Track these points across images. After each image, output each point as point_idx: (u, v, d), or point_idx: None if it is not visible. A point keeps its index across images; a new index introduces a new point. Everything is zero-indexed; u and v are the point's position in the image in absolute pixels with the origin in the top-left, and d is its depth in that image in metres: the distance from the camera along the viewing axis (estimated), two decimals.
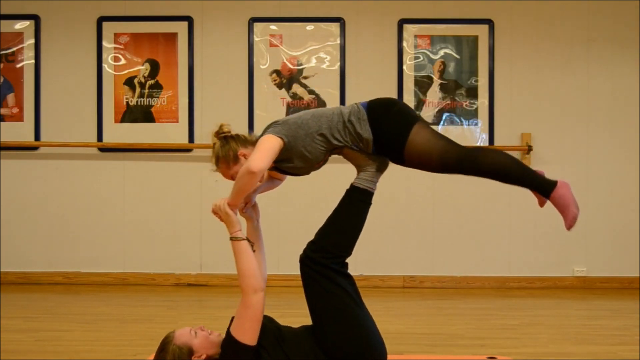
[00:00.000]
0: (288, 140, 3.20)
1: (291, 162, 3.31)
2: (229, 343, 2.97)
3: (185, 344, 3.04)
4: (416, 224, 6.00)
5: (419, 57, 5.97)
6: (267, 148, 3.19)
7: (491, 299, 5.50)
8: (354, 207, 3.21)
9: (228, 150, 3.34)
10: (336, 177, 6.00)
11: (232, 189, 3.33)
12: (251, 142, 3.31)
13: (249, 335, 2.95)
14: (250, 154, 3.25)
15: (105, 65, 5.99)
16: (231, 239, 3.12)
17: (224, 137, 3.33)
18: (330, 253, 3.11)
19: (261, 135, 3.26)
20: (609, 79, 6.00)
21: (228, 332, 3.00)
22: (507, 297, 5.62)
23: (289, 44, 5.98)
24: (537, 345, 4.11)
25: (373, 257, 5.94)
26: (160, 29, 6.00)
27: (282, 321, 4.81)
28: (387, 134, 3.23)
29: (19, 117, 6.01)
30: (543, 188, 3.19)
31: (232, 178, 3.37)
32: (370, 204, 3.23)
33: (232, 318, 3.22)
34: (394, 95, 5.96)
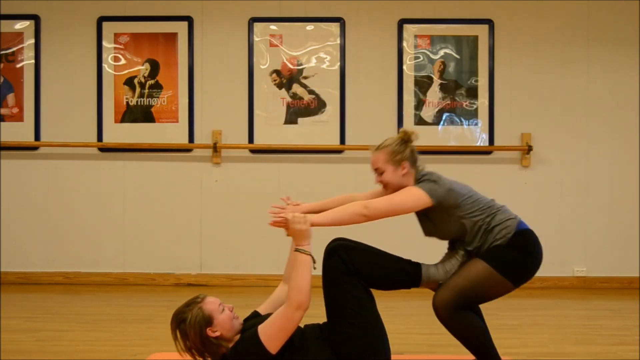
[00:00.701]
0: (435, 204, 3.27)
1: (424, 214, 3.41)
2: (253, 340, 2.95)
3: (209, 313, 3.03)
4: (416, 224, 5.99)
5: (419, 57, 5.97)
6: (403, 202, 3.27)
7: None
8: (404, 274, 3.36)
9: (401, 151, 3.38)
10: (336, 177, 6.00)
11: (334, 211, 3.27)
12: (414, 171, 3.39)
13: (275, 344, 2.94)
14: (406, 175, 3.36)
15: (105, 65, 5.99)
16: (298, 250, 3.06)
17: (406, 141, 3.40)
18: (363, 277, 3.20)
19: (418, 180, 3.35)
20: (609, 79, 6.00)
21: (256, 330, 2.97)
22: (507, 297, 5.60)
23: (289, 44, 5.98)
24: (537, 345, 4.11)
25: None
26: (160, 29, 6.00)
27: None
28: (504, 261, 3.25)
29: (19, 117, 6.01)
30: None
31: (377, 169, 3.40)
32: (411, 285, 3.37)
33: (255, 311, 3.20)
34: (394, 95, 5.96)
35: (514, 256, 3.24)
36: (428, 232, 3.50)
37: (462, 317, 3.22)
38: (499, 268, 3.22)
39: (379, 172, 3.41)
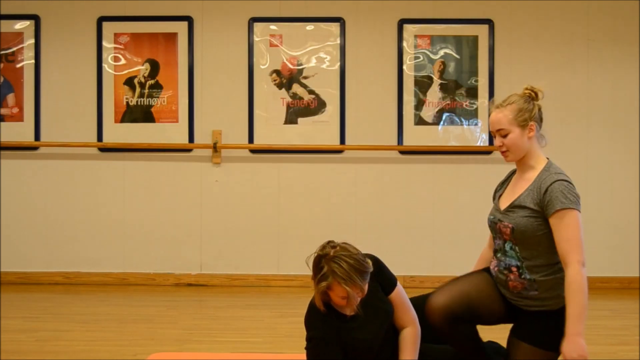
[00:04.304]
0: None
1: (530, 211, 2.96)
2: None
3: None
4: (416, 224, 6.00)
5: (419, 57, 5.97)
6: (580, 236, 2.81)
7: None
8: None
9: (530, 109, 2.98)
10: (336, 177, 6.00)
11: (579, 308, 2.76)
12: (540, 137, 3.01)
13: None
14: (532, 139, 2.95)
15: (105, 65, 5.99)
16: None
17: (532, 97, 3.01)
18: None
19: (547, 170, 2.94)
20: (609, 79, 6.00)
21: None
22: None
23: (289, 44, 5.98)
24: None
25: None
26: (160, 29, 6.00)
27: (282, 321, 4.83)
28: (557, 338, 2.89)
29: (19, 117, 6.01)
30: None
31: (501, 130, 2.97)
32: None
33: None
34: (394, 95, 5.96)
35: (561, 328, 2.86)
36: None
37: None
38: (556, 350, 2.90)
39: (502, 133, 2.97)
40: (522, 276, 2.93)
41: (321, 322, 2.91)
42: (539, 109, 3.00)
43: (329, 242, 2.90)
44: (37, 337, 4.32)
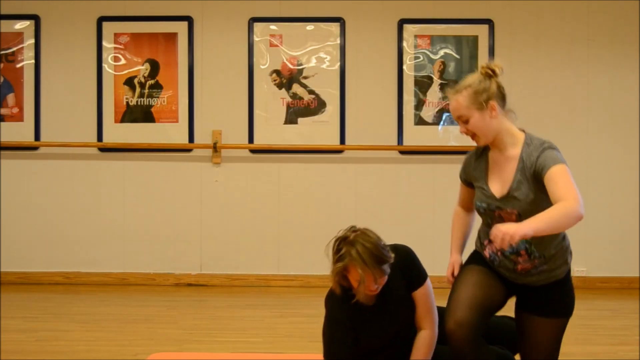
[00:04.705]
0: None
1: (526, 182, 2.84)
2: None
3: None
4: (416, 224, 6.00)
5: (419, 57, 5.97)
6: (572, 181, 2.72)
7: None
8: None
9: (487, 88, 2.85)
10: (336, 177, 6.00)
11: (548, 218, 2.60)
12: (507, 111, 2.88)
13: None
14: (497, 118, 2.82)
15: (105, 65, 5.99)
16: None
17: (490, 75, 2.87)
18: None
19: (528, 143, 2.83)
20: (609, 79, 6.00)
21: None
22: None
23: (289, 44, 5.98)
24: None
25: None
26: (160, 29, 6.00)
27: (282, 321, 4.83)
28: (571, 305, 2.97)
29: (19, 117, 6.01)
30: None
31: (460, 117, 2.86)
32: None
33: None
34: (394, 95, 5.96)
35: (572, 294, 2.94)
36: (516, 205, 2.83)
37: None
38: (569, 315, 2.95)
39: (462, 119, 2.86)
40: (532, 256, 2.85)
41: (338, 305, 2.95)
42: (498, 87, 2.86)
43: (351, 227, 2.95)
44: (37, 337, 4.32)
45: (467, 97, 2.83)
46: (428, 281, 3.04)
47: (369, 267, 2.80)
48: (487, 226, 2.96)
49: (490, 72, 2.86)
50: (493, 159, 2.93)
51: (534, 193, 2.78)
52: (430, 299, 3.04)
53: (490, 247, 2.95)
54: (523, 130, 2.93)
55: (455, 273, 3.07)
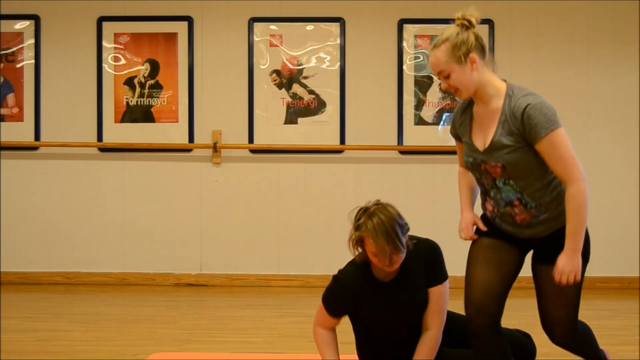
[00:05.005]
0: None
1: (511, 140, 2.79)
2: None
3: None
4: (416, 224, 5.97)
5: (419, 57, 5.97)
6: (570, 147, 2.71)
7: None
8: None
9: (465, 40, 2.75)
10: (336, 177, 6.00)
11: (578, 223, 2.80)
12: (487, 61, 2.82)
13: None
14: (479, 71, 2.76)
15: (105, 65, 5.99)
16: None
17: (466, 26, 2.76)
18: None
19: (516, 95, 2.76)
20: (609, 79, 6.00)
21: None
22: (507, 297, 5.60)
23: (289, 44, 5.98)
24: (537, 345, 4.10)
25: None
26: (160, 29, 6.00)
27: (282, 321, 4.83)
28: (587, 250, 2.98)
29: (19, 117, 6.01)
30: None
31: (440, 73, 2.78)
32: None
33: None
34: (394, 95, 5.96)
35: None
36: (506, 164, 2.79)
37: (581, 332, 2.97)
38: (586, 260, 2.92)
39: (443, 75, 2.78)
40: (528, 206, 2.83)
41: (350, 275, 3.00)
42: (476, 37, 2.77)
43: (376, 200, 3.01)
44: (37, 337, 4.32)
45: (446, 51, 2.75)
46: (447, 283, 3.04)
47: (380, 240, 2.83)
48: (477, 182, 2.98)
49: (466, 23, 2.76)
50: (477, 113, 2.90)
51: (518, 145, 2.76)
52: (444, 300, 3.03)
53: (487, 205, 2.96)
54: (505, 81, 2.89)
55: (467, 231, 3.02)
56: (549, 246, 2.88)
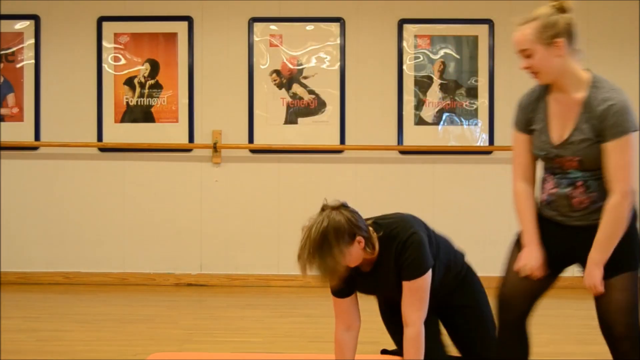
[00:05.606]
0: None
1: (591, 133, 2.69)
2: None
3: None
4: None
5: (419, 57, 5.97)
6: (630, 162, 2.60)
7: (491, 299, 5.47)
8: None
9: (555, 22, 2.64)
10: (336, 177, 6.00)
11: (597, 245, 2.67)
12: (574, 50, 2.68)
13: None
14: (562, 57, 2.63)
15: (105, 65, 5.99)
16: None
17: (561, 11, 2.66)
18: None
19: (594, 85, 2.66)
20: (609, 78, 5.95)
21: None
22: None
23: (289, 44, 5.98)
24: (537, 345, 4.09)
25: None
26: (160, 29, 6.00)
27: (282, 321, 4.83)
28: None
29: (19, 117, 6.01)
30: None
31: (523, 51, 2.68)
32: None
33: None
34: (394, 95, 5.96)
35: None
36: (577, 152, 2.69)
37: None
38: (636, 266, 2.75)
39: (526, 54, 2.68)
40: (589, 189, 2.72)
41: None
42: (568, 23, 2.64)
43: (335, 202, 3.01)
44: (37, 337, 4.32)
45: (534, 30, 2.64)
46: (423, 277, 2.90)
47: (304, 250, 2.91)
48: (549, 170, 2.83)
49: (560, 6, 2.66)
50: (554, 101, 2.77)
51: (597, 139, 2.66)
52: (418, 293, 2.90)
53: (546, 185, 2.83)
54: (588, 70, 2.76)
55: (539, 272, 2.86)
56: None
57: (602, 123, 2.65)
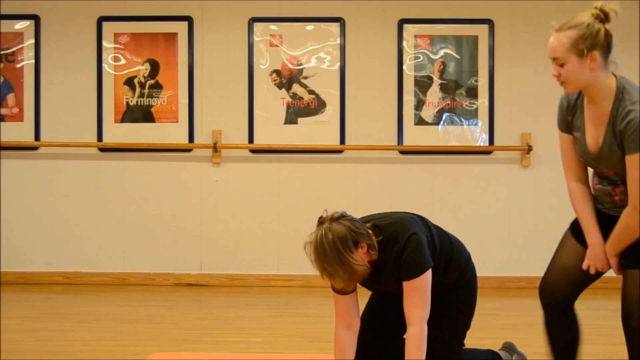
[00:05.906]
0: None
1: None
2: None
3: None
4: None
5: (419, 57, 5.97)
6: None
7: (491, 299, 5.49)
8: None
9: (593, 33, 2.60)
10: (336, 177, 6.00)
11: (613, 237, 2.71)
12: (609, 62, 2.66)
13: None
14: (595, 70, 2.58)
15: (105, 65, 5.99)
16: None
17: (601, 19, 2.62)
18: None
19: (622, 89, 2.63)
20: None
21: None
22: (507, 297, 5.61)
23: (289, 44, 5.98)
24: (537, 345, 4.10)
25: None
26: (160, 29, 6.00)
27: (282, 321, 4.83)
28: None
29: (19, 117, 6.01)
30: None
31: (557, 59, 2.58)
32: None
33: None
34: (394, 95, 5.95)
35: None
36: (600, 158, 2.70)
37: None
38: None
39: (558, 62, 2.60)
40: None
41: None
42: (606, 35, 2.59)
43: (334, 213, 2.90)
44: (37, 337, 4.32)
45: (570, 38, 2.59)
46: (422, 277, 2.89)
47: (317, 261, 2.83)
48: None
49: (602, 15, 2.59)
50: (587, 108, 2.74)
51: (624, 154, 2.64)
52: (419, 293, 2.89)
53: (594, 179, 2.87)
54: (615, 76, 2.73)
55: (609, 266, 2.86)
56: (630, 249, 2.78)
57: (623, 137, 2.65)
